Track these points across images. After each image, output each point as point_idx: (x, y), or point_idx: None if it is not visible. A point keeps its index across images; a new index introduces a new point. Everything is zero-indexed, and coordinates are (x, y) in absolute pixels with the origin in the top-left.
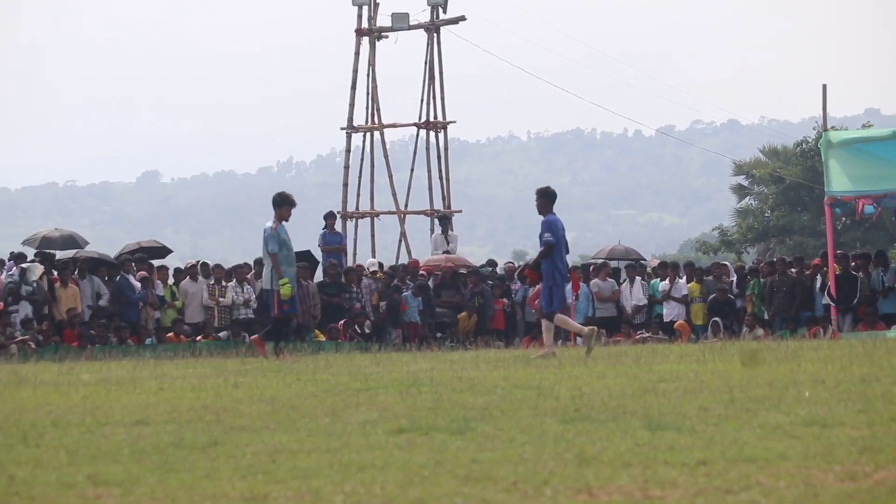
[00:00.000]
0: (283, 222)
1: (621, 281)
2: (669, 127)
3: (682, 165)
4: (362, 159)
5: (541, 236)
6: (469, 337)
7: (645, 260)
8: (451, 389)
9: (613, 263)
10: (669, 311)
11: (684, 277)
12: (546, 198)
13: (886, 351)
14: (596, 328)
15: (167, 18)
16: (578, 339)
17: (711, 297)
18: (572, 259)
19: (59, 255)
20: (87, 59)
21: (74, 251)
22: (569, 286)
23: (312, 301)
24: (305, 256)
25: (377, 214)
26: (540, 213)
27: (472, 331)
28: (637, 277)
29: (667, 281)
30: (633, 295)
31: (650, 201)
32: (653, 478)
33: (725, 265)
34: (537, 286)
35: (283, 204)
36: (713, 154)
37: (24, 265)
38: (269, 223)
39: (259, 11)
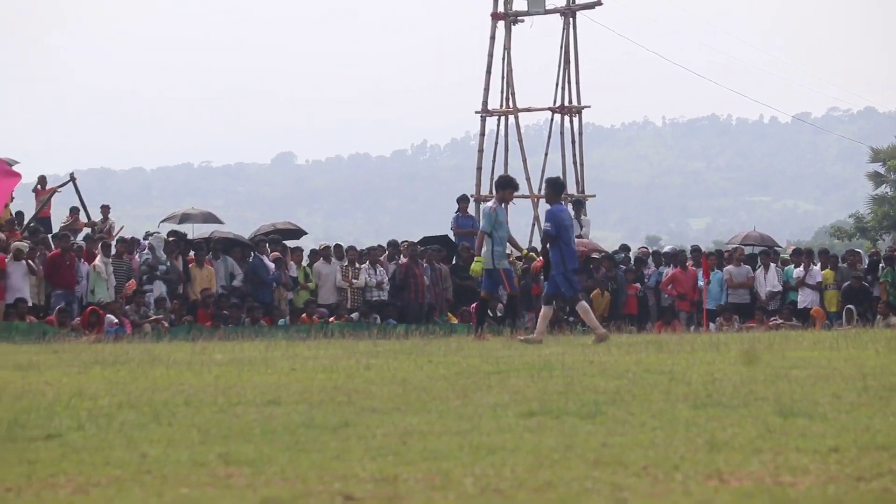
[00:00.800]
0: (503, 204)
1: (756, 267)
2: (805, 114)
3: (818, 152)
4: (496, 143)
5: (543, 225)
6: (602, 321)
7: (780, 246)
8: (583, 373)
9: (748, 250)
10: (803, 298)
11: (819, 264)
12: (553, 188)
13: None
14: (608, 335)
15: (300, 10)
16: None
17: (846, 284)
18: (705, 244)
19: (195, 234)
20: (224, 46)
21: (212, 229)
22: (700, 271)
23: (444, 284)
24: (443, 241)
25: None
26: (547, 203)
27: (605, 311)
28: (771, 264)
29: (801, 267)
30: (768, 281)
31: (785, 188)
32: (784, 464)
33: (858, 252)
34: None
35: (507, 186)
36: (850, 141)
37: (150, 240)
38: (491, 203)
39: None
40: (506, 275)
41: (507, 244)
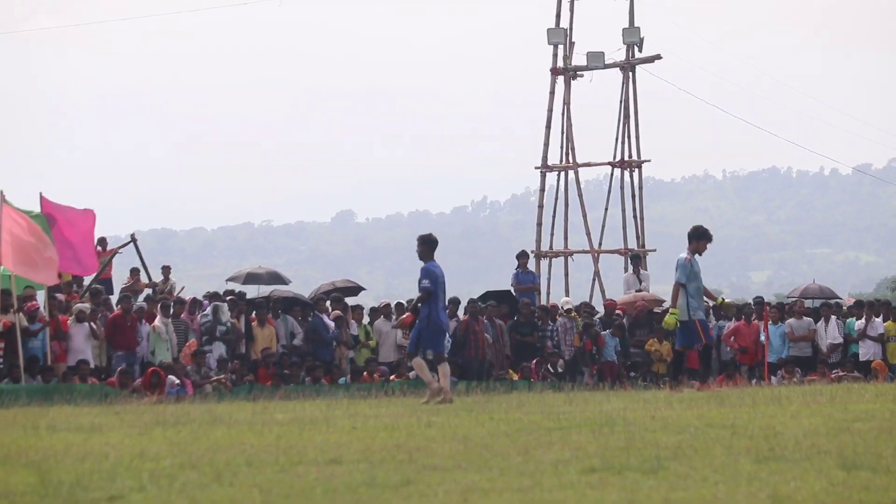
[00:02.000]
0: (697, 255)
1: (817, 320)
2: (866, 165)
3: (880, 204)
4: (556, 198)
5: (419, 282)
6: (663, 376)
7: (840, 299)
8: (644, 429)
9: (809, 303)
10: (865, 350)
11: (881, 316)
12: (427, 245)
13: None
14: (443, 392)
15: (355, 70)
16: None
17: None
18: (767, 297)
19: (256, 293)
20: (284, 108)
21: (272, 289)
22: (762, 324)
23: (503, 340)
24: (504, 296)
25: (571, 253)
26: (421, 260)
27: (668, 358)
28: (832, 316)
29: (863, 320)
30: (829, 334)
31: (846, 240)
32: None
33: None
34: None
35: (702, 238)
36: None
37: (216, 303)
38: (684, 254)
39: (454, 51)
40: (701, 325)
41: (703, 295)
